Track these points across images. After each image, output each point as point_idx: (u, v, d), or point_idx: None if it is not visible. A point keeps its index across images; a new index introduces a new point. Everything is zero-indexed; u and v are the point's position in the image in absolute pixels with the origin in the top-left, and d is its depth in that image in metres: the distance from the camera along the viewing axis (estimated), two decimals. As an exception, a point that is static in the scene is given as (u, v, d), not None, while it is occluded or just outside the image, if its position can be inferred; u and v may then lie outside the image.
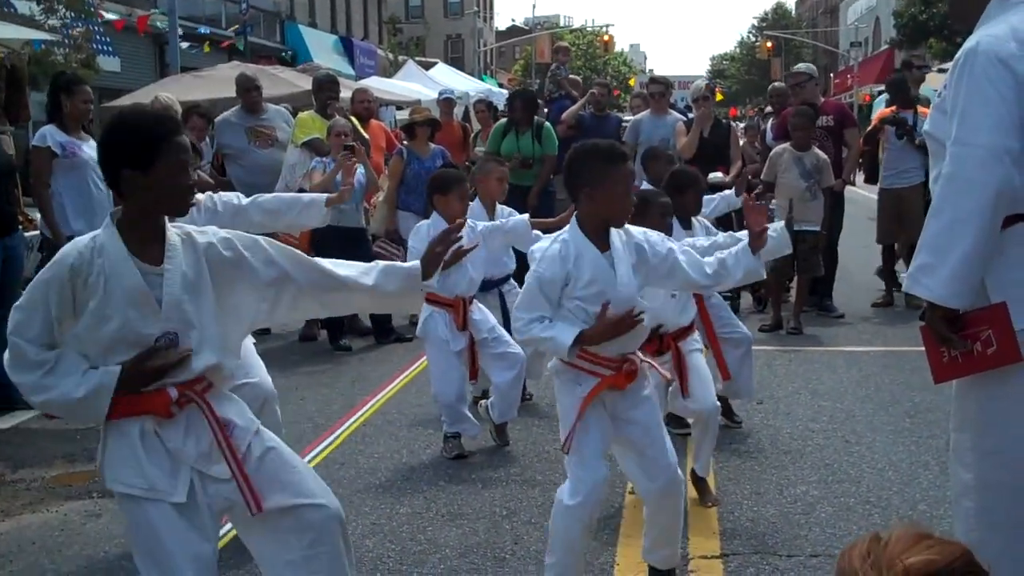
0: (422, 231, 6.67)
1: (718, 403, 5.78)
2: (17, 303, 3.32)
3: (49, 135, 8.07)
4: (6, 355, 3.35)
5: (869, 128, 11.80)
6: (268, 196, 5.60)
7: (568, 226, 4.38)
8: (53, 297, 3.28)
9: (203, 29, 28.22)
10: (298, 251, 3.66)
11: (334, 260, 3.76)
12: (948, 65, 3.74)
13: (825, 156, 10.13)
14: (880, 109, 12.38)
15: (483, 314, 6.77)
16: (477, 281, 6.74)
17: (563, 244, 4.29)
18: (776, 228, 5.07)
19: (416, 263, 3.78)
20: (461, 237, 3.84)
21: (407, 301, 3.86)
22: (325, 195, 5.74)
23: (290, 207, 5.56)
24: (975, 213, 3.47)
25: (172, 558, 3.33)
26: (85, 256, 3.31)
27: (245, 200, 5.41)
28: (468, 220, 6.78)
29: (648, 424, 4.42)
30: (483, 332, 6.68)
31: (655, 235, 4.51)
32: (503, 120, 11.95)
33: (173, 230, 3.45)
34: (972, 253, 3.49)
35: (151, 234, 3.41)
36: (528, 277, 4.35)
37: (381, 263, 3.78)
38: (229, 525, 4.94)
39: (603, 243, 4.28)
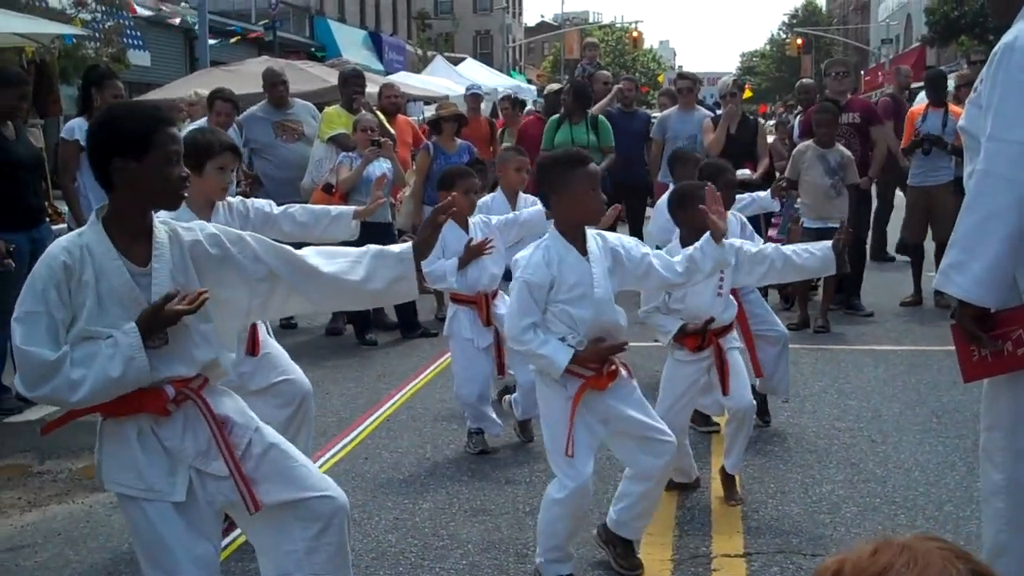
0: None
1: (754, 402, 5.76)
2: (15, 316, 3.20)
3: (78, 128, 8.13)
4: (20, 374, 3.22)
5: (904, 145, 11.58)
6: (298, 207, 5.67)
7: (549, 232, 4.56)
8: (52, 300, 3.19)
9: (233, 25, 28.31)
10: (286, 247, 3.60)
11: (326, 249, 3.71)
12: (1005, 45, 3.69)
13: (849, 153, 10.03)
14: (915, 107, 12.24)
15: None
16: (498, 275, 6.73)
17: (545, 250, 4.47)
18: (821, 248, 5.26)
19: (408, 245, 3.72)
20: (448, 217, 3.81)
21: (402, 289, 3.71)
22: (353, 208, 5.82)
23: (318, 220, 5.64)
24: (1008, 210, 3.44)
25: (174, 558, 3.33)
26: (75, 255, 3.24)
27: (277, 209, 5.50)
28: (480, 216, 6.82)
29: (641, 412, 4.61)
30: None
31: (631, 241, 4.70)
32: (556, 115, 11.97)
33: (160, 227, 3.39)
34: (1005, 251, 3.46)
35: (138, 231, 3.34)
36: (515, 283, 4.49)
37: (374, 247, 3.71)
38: (234, 535, 5.01)
39: (582, 247, 4.48)
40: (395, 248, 3.72)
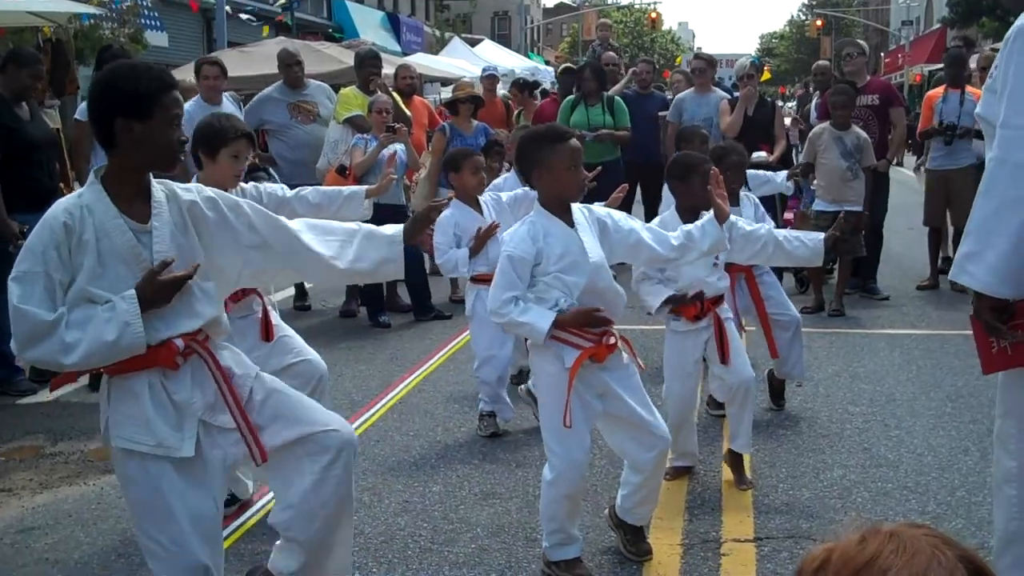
0: (444, 224, 6.63)
1: (754, 374, 5.72)
2: (12, 275, 3.23)
3: (92, 110, 8.09)
4: (14, 334, 3.25)
5: (921, 128, 11.48)
6: (310, 189, 5.73)
7: (534, 208, 4.57)
8: (52, 260, 3.22)
9: (251, 6, 28.28)
10: (281, 219, 3.69)
11: (319, 224, 3.79)
12: (1000, 45, 3.63)
13: (866, 135, 9.97)
14: (933, 90, 12.15)
15: None
16: None
17: (531, 225, 4.47)
18: (813, 239, 5.32)
19: (399, 227, 3.82)
20: (442, 209, 3.91)
21: (389, 270, 3.85)
22: (365, 188, 5.89)
23: (332, 201, 5.71)
24: (1023, 199, 3.36)
25: (173, 516, 3.37)
26: (76, 215, 3.27)
27: (289, 192, 5.56)
28: (490, 194, 6.83)
29: (637, 400, 4.54)
30: None
31: (619, 213, 4.70)
32: (571, 96, 11.95)
33: (157, 186, 3.44)
34: (1020, 240, 3.38)
35: (137, 190, 3.39)
36: (500, 258, 4.49)
37: (366, 227, 3.80)
38: (242, 519, 5.03)
39: (568, 220, 4.46)
40: (387, 230, 3.81)
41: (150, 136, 3.33)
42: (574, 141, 4.48)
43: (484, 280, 6.59)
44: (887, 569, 1.51)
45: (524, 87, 14.69)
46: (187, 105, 9.13)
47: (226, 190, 5.07)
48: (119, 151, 3.36)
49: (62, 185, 8.48)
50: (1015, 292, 3.49)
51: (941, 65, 13.27)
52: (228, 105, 9.13)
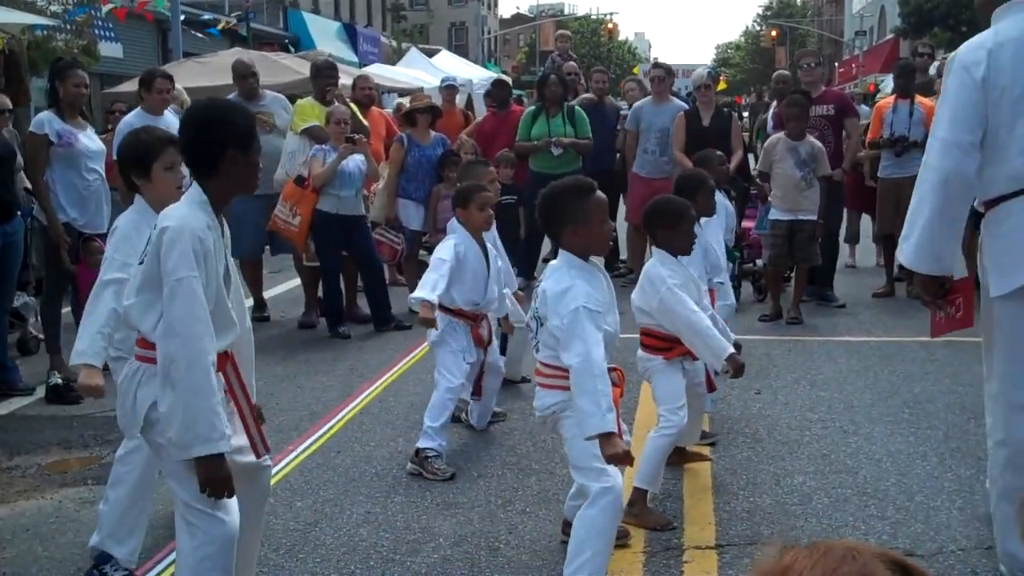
0: (448, 247, 6.40)
1: None
2: None
3: (47, 122, 7.96)
4: None
5: (871, 138, 11.43)
6: None
7: (565, 260, 4.45)
8: None
9: (205, 15, 28.15)
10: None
11: None
12: (952, 54, 4.41)
13: (820, 144, 10.00)
14: (883, 100, 12.25)
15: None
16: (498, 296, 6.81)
17: (581, 274, 4.37)
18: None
19: None
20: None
21: None
22: None
23: None
24: (931, 193, 4.31)
25: None
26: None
27: None
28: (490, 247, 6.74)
29: None
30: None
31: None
32: (532, 106, 11.97)
33: None
34: (930, 226, 4.32)
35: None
36: (580, 315, 4.19)
37: None
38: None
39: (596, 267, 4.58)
40: None
41: (249, 164, 3.79)
42: (601, 192, 4.50)
43: (458, 314, 6.51)
44: (801, 571, 1.58)
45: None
46: (128, 117, 9.01)
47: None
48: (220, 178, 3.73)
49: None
50: (929, 268, 4.43)
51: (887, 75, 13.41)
52: (170, 117, 8.90)
